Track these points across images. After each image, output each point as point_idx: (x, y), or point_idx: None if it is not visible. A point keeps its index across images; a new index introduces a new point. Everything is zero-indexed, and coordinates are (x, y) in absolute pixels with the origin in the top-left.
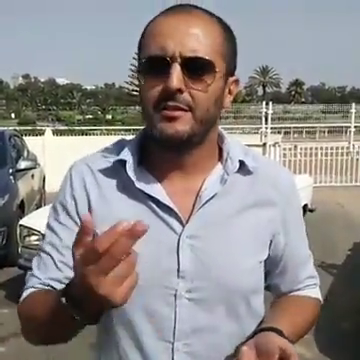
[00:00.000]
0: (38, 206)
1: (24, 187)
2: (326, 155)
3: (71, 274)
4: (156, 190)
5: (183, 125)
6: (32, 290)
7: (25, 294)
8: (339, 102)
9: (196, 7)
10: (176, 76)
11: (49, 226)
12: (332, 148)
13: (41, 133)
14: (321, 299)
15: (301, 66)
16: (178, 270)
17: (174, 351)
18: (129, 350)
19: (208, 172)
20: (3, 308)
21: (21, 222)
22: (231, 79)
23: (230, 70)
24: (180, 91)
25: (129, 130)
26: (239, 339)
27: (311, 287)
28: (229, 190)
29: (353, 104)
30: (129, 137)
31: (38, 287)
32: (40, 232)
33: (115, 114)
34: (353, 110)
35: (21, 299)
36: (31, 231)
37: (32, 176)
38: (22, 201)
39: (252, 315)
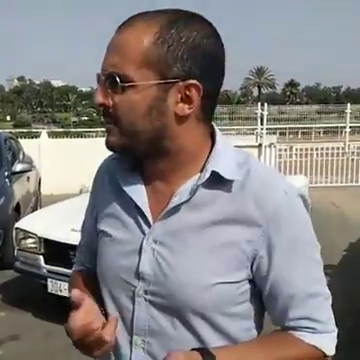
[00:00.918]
0: (34, 209)
1: (20, 190)
2: (322, 155)
3: (91, 253)
4: (135, 190)
5: (111, 137)
6: (76, 267)
7: (73, 267)
8: (334, 102)
9: (153, 12)
10: (98, 92)
11: (85, 213)
12: (327, 148)
13: (37, 135)
14: (324, 349)
15: (296, 67)
16: (137, 269)
17: (133, 345)
18: None
19: (186, 179)
20: (0, 311)
21: (17, 225)
22: (181, 85)
23: (169, 76)
24: (105, 105)
25: None
26: None
27: (306, 330)
28: (204, 202)
29: (348, 104)
30: None
31: (78, 264)
32: (36, 235)
33: None
34: (348, 110)
35: (72, 269)
36: (27, 234)
37: (28, 179)
38: (18, 204)
39: (219, 334)
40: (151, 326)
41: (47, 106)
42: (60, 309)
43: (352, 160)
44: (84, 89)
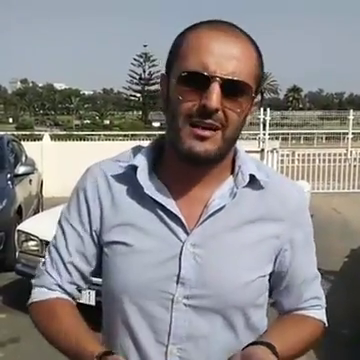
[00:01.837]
0: (36, 211)
1: (22, 192)
2: (324, 161)
3: (78, 275)
4: (164, 197)
5: (212, 144)
6: (49, 294)
7: (40, 295)
8: (337, 108)
9: (236, 27)
10: (216, 96)
11: (61, 226)
12: (330, 154)
13: (39, 138)
14: (325, 321)
15: (299, 72)
16: (178, 276)
17: (168, 354)
18: (128, 351)
19: (219, 184)
20: (0, 313)
21: (19, 227)
22: (255, 100)
23: (257, 92)
24: (217, 110)
25: (127, 135)
26: (234, 350)
27: (316, 308)
28: (237, 203)
29: (351, 111)
30: (145, 144)
31: (53, 289)
32: (38, 237)
33: (113, 119)
34: (351, 117)
35: (38, 297)
36: (29, 236)
37: (30, 181)
38: (20, 206)
39: (250, 328)
40: (189, 332)
41: (50, 109)
42: None
43: (354, 166)
44: (87, 92)
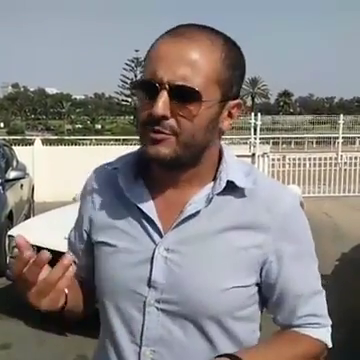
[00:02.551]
0: (27, 216)
1: (13, 197)
2: (314, 165)
3: (84, 266)
4: (142, 200)
5: (166, 148)
6: None
7: None
8: (327, 113)
9: (202, 28)
10: (161, 103)
11: (74, 225)
12: (320, 159)
13: (30, 143)
14: (327, 341)
15: (290, 77)
16: (149, 279)
17: (141, 355)
18: (109, 349)
19: (199, 189)
20: None
21: (10, 233)
22: (232, 103)
23: (230, 95)
24: (164, 117)
25: (118, 140)
26: (208, 358)
27: (313, 326)
28: (217, 210)
29: (341, 115)
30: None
31: None
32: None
33: (104, 124)
34: (341, 121)
35: None
36: None
37: (21, 186)
38: (11, 211)
39: (231, 341)
40: (162, 335)
41: (41, 113)
42: (52, 318)
43: (345, 170)
44: (78, 97)
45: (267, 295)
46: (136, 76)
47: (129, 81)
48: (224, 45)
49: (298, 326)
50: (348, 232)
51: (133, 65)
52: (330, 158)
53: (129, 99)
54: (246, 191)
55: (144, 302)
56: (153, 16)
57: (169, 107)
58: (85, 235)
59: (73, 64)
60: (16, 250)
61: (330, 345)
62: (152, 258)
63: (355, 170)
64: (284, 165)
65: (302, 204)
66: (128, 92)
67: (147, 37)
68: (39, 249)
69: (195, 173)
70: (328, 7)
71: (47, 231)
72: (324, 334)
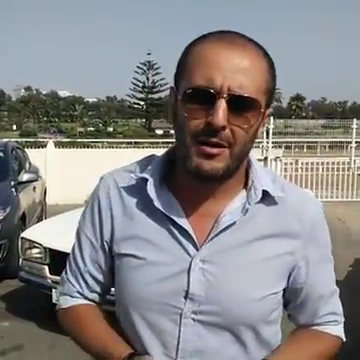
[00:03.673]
0: (39, 219)
1: (26, 200)
2: (327, 170)
3: (95, 284)
4: (174, 211)
5: (220, 162)
6: (73, 301)
7: (65, 302)
8: (340, 117)
9: (245, 37)
10: (222, 113)
11: (78, 234)
12: (333, 163)
13: (43, 145)
14: (342, 337)
15: (302, 81)
16: (187, 292)
17: None
18: None
19: (231, 198)
20: (4, 321)
21: (22, 235)
22: (267, 112)
23: (269, 104)
24: (224, 128)
25: (130, 142)
26: None
27: (332, 324)
28: (250, 219)
29: (354, 119)
30: (159, 153)
31: (76, 297)
32: (41, 245)
33: (116, 126)
34: (354, 125)
35: (63, 304)
36: (32, 244)
37: (34, 188)
38: (23, 213)
39: (261, 343)
40: (198, 346)
41: (53, 116)
42: None
43: (358, 175)
44: (91, 100)
45: (291, 298)
46: (148, 79)
47: (141, 84)
48: (266, 55)
49: (318, 325)
50: None
51: (145, 68)
52: (343, 163)
53: (141, 102)
54: (276, 199)
55: (180, 314)
56: (165, 20)
57: (227, 117)
58: (104, 245)
59: (85, 67)
60: (29, 252)
61: (344, 339)
62: (189, 270)
63: None
64: (297, 169)
65: (323, 208)
66: (140, 95)
67: (159, 41)
68: (51, 251)
69: (231, 183)
70: (342, 11)
71: (59, 233)
72: (340, 330)
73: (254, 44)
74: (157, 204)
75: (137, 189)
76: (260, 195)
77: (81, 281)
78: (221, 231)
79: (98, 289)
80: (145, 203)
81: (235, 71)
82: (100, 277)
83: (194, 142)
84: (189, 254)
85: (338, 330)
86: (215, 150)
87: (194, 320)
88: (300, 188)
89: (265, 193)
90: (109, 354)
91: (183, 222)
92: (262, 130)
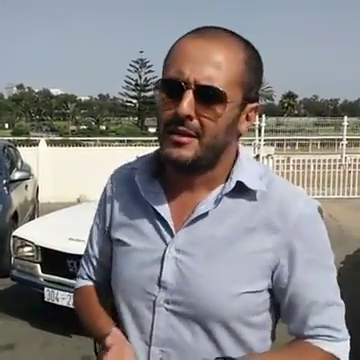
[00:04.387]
0: (32, 217)
1: (18, 198)
2: (319, 167)
3: (101, 268)
4: (157, 200)
5: (188, 151)
6: (82, 282)
7: (77, 283)
8: (331, 114)
9: (225, 30)
10: (187, 103)
11: (93, 223)
12: (325, 160)
13: (35, 144)
14: (339, 356)
15: (294, 78)
16: (159, 279)
17: (150, 354)
18: None
19: (211, 189)
20: None
21: (14, 233)
22: (250, 106)
23: (249, 98)
24: (189, 117)
25: (123, 141)
26: None
27: (325, 339)
28: (227, 212)
29: (345, 117)
30: (152, 151)
31: (85, 278)
32: (33, 243)
33: (109, 125)
34: (345, 123)
35: (76, 285)
36: (24, 242)
37: (26, 187)
38: (16, 212)
39: (240, 346)
40: (170, 336)
41: (46, 114)
42: (57, 318)
43: (349, 172)
44: (83, 98)
45: (279, 301)
46: (140, 77)
47: (134, 82)
48: (246, 48)
49: (310, 337)
50: (352, 234)
51: (138, 66)
52: (334, 160)
53: (134, 100)
54: (258, 194)
55: (154, 302)
56: (158, 18)
57: (194, 108)
58: (105, 232)
59: (78, 65)
60: (21, 250)
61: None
62: (163, 258)
63: (359, 172)
64: (288, 167)
65: (321, 210)
66: (133, 93)
67: (152, 38)
68: (43, 250)
69: (211, 175)
70: (333, 7)
71: (51, 232)
72: (338, 348)
73: (235, 38)
74: (142, 193)
75: (130, 180)
76: (233, 185)
77: (89, 264)
78: (194, 220)
79: (102, 272)
80: (135, 192)
81: (205, 63)
82: (104, 261)
83: (165, 131)
84: (165, 242)
85: (334, 347)
86: (184, 139)
87: (166, 309)
88: (296, 189)
89: (242, 186)
90: (99, 331)
91: (161, 209)
92: (249, 125)
